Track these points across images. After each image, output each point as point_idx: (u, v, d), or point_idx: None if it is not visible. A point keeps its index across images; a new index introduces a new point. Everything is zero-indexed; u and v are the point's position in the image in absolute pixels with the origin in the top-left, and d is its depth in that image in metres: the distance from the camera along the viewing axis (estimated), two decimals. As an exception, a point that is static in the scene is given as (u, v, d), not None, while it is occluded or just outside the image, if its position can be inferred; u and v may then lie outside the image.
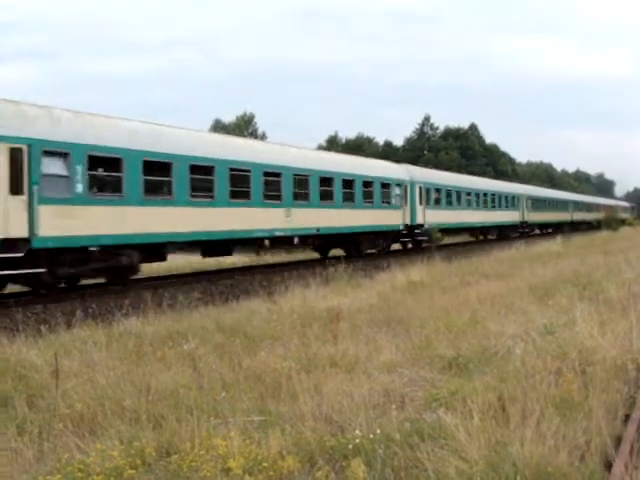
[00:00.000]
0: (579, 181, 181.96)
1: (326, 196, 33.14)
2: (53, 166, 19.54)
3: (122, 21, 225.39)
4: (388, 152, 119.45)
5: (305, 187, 31.42)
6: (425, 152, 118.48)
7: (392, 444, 6.77)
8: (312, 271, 25.45)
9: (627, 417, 8.00)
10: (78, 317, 15.65)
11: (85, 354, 11.37)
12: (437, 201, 46.53)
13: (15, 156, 18.29)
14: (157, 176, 23.50)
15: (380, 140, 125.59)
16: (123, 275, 23.34)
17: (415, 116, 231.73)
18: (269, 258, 36.52)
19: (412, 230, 41.93)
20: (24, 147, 18.57)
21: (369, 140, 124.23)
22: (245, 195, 27.38)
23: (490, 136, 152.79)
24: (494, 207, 58.33)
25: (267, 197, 28.59)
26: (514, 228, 63.96)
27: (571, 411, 7.76)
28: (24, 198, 18.49)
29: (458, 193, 50.45)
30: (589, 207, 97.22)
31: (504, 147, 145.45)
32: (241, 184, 27.24)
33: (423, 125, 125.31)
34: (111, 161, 21.50)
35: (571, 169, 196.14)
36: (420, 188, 43.11)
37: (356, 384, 9.22)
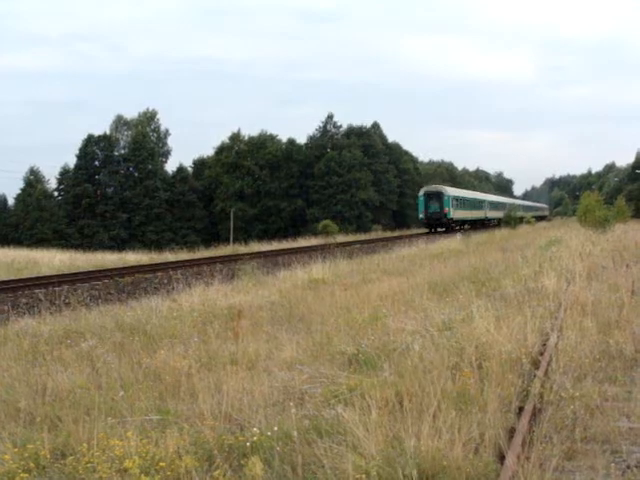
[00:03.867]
0: (479, 180, 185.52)
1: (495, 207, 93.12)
2: (454, 201, 72.41)
3: (18, 12, 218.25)
4: (291, 150, 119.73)
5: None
6: (328, 150, 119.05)
7: (290, 441, 6.79)
8: (215, 269, 25.35)
9: (520, 409, 8.20)
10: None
11: (-22, 355, 11.06)
12: None
13: (447, 199, 70.12)
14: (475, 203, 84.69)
15: (283, 138, 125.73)
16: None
17: (318, 114, 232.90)
18: (170, 256, 36.14)
19: None
20: (447, 196, 70.84)
21: (272, 137, 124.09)
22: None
23: (392, 135, 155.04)
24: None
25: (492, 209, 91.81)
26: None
27: (467, 405, 7.89)
28: (449, 207, 69.45)
29: None
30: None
31: (406, 146, 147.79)
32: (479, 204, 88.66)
33: (326, 123, 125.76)
34: (464, 199, 80.00)
35: (471, 168, 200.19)
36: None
37: (256, 382, 9.20)
